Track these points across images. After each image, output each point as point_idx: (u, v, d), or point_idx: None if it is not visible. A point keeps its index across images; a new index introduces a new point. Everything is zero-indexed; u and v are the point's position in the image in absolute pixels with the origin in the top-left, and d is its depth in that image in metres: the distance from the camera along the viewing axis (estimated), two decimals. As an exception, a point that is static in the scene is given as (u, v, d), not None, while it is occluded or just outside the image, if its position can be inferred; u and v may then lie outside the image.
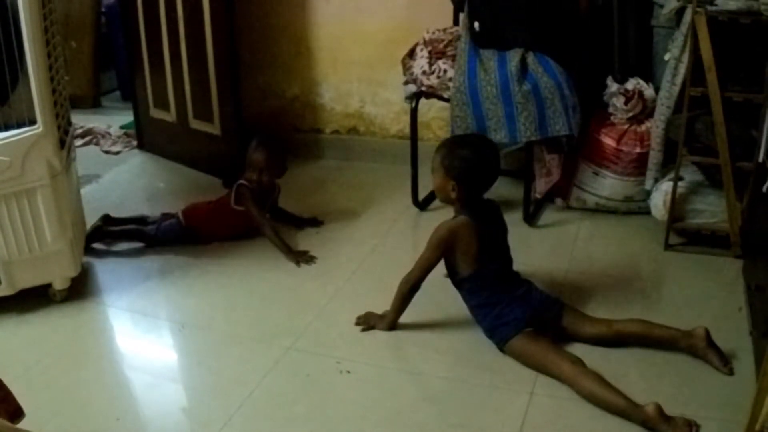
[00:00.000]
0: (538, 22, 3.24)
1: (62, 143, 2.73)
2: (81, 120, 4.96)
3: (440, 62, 3.31)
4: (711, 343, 2.32)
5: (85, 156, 4.41)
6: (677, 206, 3.03)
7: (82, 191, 3.28)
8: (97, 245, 3.25)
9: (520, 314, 2.41)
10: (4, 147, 2.52)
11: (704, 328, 2.34)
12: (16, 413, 1.68)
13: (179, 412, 2.30)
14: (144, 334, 2.73)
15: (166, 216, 3.34)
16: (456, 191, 2.48)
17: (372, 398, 2.26)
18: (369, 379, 2.36)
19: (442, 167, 2.49)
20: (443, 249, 2.49)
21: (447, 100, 3.27)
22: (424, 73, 3.33)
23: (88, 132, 4.84)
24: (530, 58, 3.16)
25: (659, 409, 2.04)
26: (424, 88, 3.35)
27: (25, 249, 2.67)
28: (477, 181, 2.50)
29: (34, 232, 2.66)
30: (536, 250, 3.16)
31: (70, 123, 2.98)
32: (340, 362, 2.42)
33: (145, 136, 4.60)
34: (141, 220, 3.40)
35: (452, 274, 2.55)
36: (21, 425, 1.65)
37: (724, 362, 2.30)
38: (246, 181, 3.25)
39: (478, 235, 2.45)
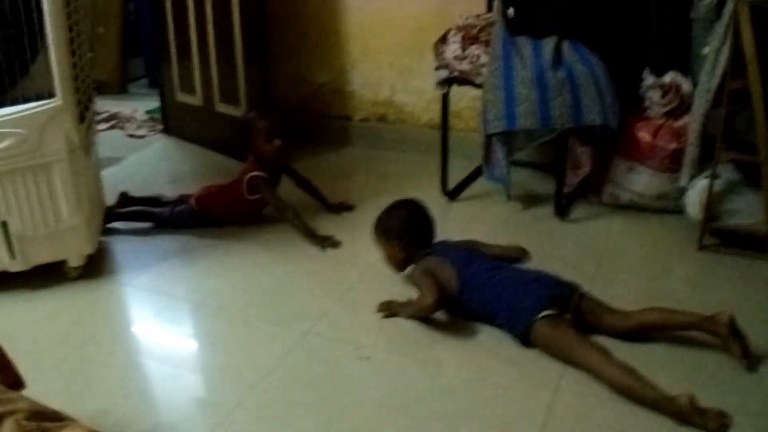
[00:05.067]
0: (573, 10, 3.16)
1: (82, 118, 2.68)
2: (107, 105, 4.97)
3: (473, 48, 3.23)
4: (734, 332, 2.18)
5: (110, 139, 4.42)
6: (713, 205, 2.93)
7: (105, 172, 3.26)
8: (114, 225, 3.21)
9: (535, 297, 2.32)
10: (21, 120, 2.48)
11: (728, 314, 2.18)
12: (15, 384, 1.64)
13: (190, 392, 2.24)
14: (159, 313, 2.67)
15: (182, 197, 3.30)
16: (402, 249, 2.64)
17: (389, 386, 2.19)
18: (387, 367, 2.28)
19: (382, 235, 2.69)
20: (432, 276, 2.50)
21: (479, 86, 3.18)
22: (456, 58, 3.25)
23: (113, 116, 4.85)
24: (565, 45, 3.08)
25: (693, 399, 1.94)
26: (456, 74, 3.27)
27: (40, 224, 2.63)
28: (417, 231, 2.66)
29: (50, 206, 2.62)
30: (567, 244, 3.06)
31: (91, 99, 2.94)
32: (358, 349, 2.35)
33: (171, 120, 4.58)
34: (155, 200, 3.35)
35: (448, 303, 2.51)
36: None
37: (745, 354, 2.17)
38: (256, 160, 3.20)
39: (451, 262, 2.52)
